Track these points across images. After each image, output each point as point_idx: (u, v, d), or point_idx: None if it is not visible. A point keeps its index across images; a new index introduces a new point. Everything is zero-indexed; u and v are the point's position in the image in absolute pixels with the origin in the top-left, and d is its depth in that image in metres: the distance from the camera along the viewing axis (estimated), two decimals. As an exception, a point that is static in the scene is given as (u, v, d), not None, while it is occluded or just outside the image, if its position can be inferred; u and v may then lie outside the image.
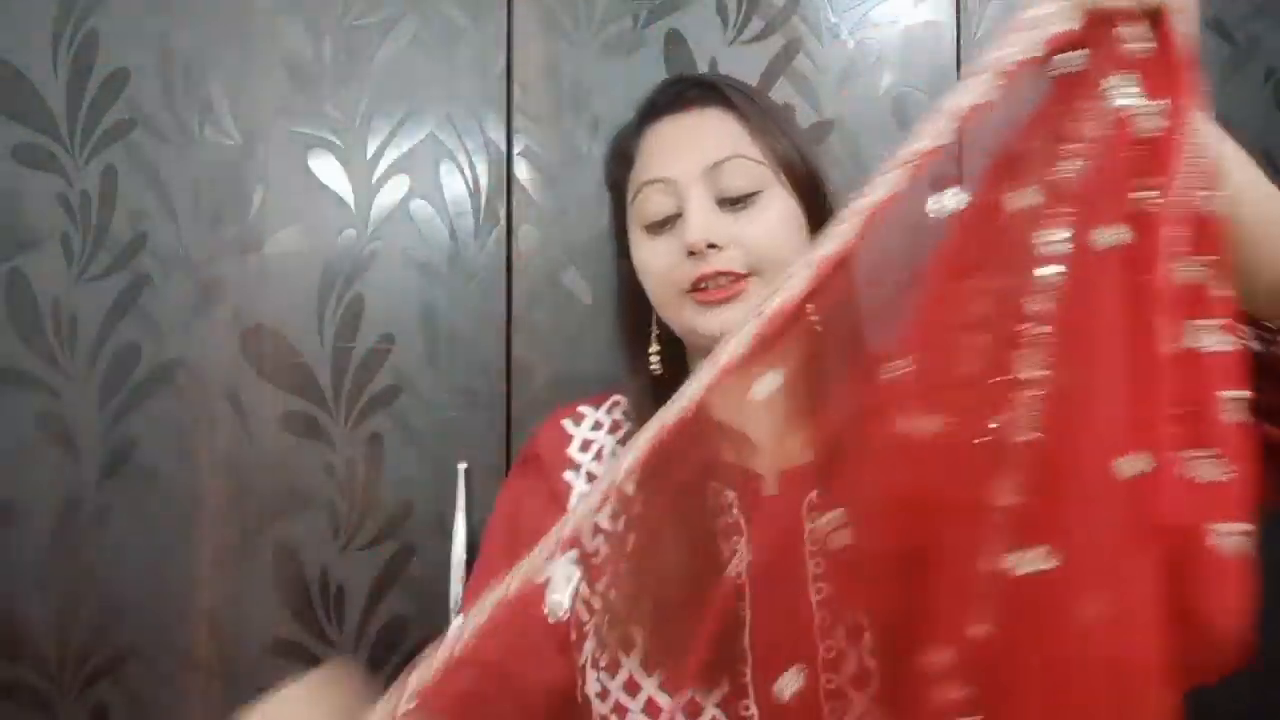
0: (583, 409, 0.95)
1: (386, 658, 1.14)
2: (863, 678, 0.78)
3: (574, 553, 0.87)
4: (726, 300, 0.84)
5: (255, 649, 1.15)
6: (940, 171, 0.62)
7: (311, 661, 1.14)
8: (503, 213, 1.18)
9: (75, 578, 1.15)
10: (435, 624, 1.11)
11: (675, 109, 0.90)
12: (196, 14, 1.18)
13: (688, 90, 0.91)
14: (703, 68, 1.19)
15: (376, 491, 1.16)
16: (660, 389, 0.90)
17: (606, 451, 0.91)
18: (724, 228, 0.84)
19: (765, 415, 0.86)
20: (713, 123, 0.88)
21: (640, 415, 0.88)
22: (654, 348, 0.93)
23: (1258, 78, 1.19)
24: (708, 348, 0.87)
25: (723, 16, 1.19)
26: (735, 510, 0.84)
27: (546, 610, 0.87)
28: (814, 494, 0.83)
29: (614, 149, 0.95)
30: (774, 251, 0.84)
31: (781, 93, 1.19)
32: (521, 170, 1.19)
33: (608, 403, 0.95)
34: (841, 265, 0.65)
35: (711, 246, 0.83)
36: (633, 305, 0.94)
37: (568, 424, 0.94)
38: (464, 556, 1.12)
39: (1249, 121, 1.18)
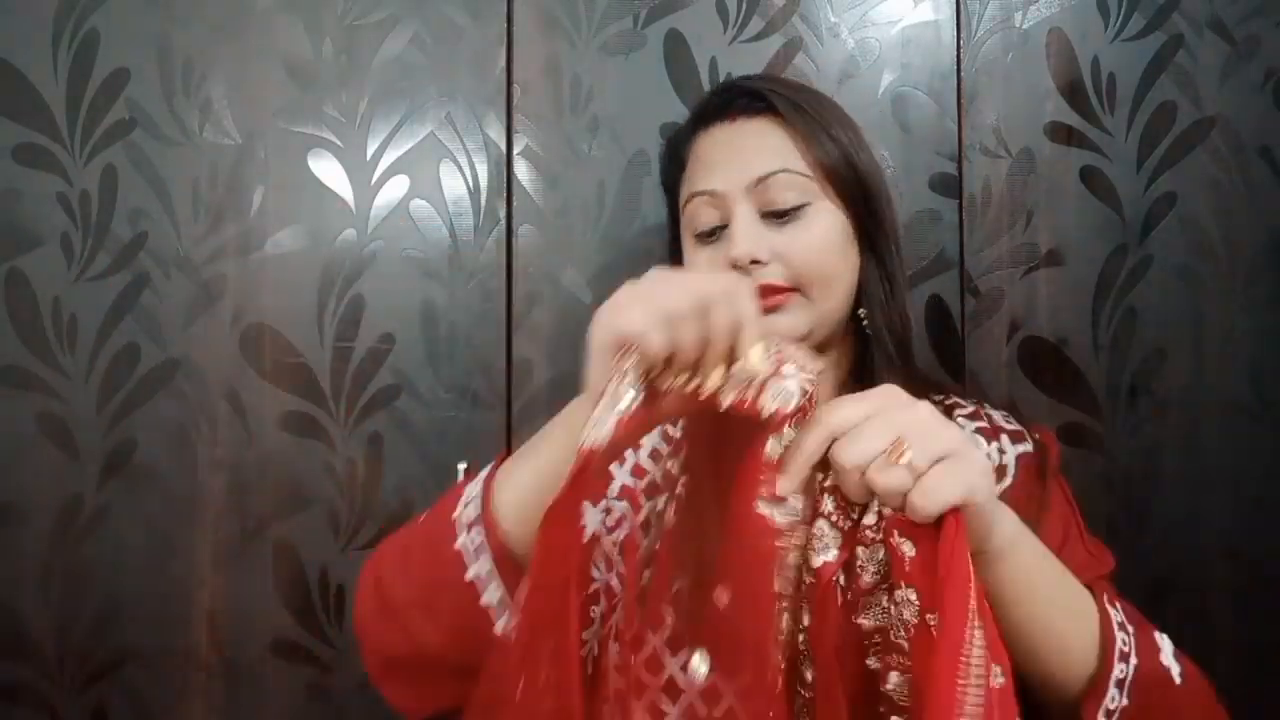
0: None
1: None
2: None
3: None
4: (768, 311, 0.82)
5: (255, 650, 1.15)
6: None
7: (311, 661, 1.15)
8: (503, 213, 1.18)
9: (75, 578, 1.15)
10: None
11: (724, 117, 0.91)
12: (196, 14, 1.18)
13: (737, 99, 0.91)
14: (703, 68, 1.18)
15: (376, 491, 1.16)
16: None
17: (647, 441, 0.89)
18: (768, 243, 0.84)
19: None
20: (760, 134, 0.89)
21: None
22: None
23: (1258, 78, 1.19)
24: None
25: (723, 16, 1.19)
26: None
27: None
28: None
29: (667, 150, 0.98)
30: (818, 267, 0.85)
31: (781, 93, 1.18)
32: (521, 170, 1.19)
33: None
34: None
35: (755, 263, 0.83)
36: None
37: None
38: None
39: (1249, 121, 1.18)
